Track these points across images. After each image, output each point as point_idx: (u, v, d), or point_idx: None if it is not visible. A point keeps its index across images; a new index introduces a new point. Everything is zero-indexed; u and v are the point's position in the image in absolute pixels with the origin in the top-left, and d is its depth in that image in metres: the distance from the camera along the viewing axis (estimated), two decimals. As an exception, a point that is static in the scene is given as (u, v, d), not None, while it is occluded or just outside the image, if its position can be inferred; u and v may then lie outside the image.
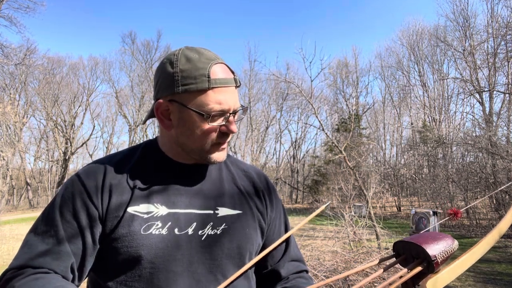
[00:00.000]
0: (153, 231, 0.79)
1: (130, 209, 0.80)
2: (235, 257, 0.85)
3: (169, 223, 0.81)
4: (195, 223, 0.83)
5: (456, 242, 0.70)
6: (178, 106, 0.82)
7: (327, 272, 5.26)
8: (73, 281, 0.78)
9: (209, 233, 0.84)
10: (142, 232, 0.78)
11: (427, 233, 0.71)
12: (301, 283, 0.92)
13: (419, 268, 0.66)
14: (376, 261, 0.69)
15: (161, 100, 0.83)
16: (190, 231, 0.82)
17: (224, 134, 0.84)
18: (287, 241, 1.00)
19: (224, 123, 0.83)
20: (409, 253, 0.69)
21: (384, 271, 0.69)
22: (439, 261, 0.66)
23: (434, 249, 0.66)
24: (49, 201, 0.84)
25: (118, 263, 0.79)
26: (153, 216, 0.80)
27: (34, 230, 0.80)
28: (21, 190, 32.30)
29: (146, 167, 0.87)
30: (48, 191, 30.49)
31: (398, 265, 0.71)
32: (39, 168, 34.12)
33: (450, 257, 0.69)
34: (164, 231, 0.80)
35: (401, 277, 0.67)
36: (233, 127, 0.83)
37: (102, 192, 0.81)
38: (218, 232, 0.85)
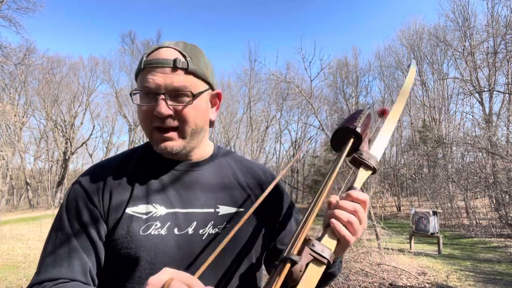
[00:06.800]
0: (152, 232, 0.78)
1: (129, 210, 0.79)
2: (239, 256, 0.83)
3: (168, 223, 0.79)
4: (195, 223, 0.81)
5: (366, 110, 0.85)
6: None
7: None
8: (94, 283, 0.79)
9: (210, 232, 0.82)
10: (141, 233, 0.77)
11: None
12: None
13: (351, 140, 0.79)
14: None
15: None
16: (190, 230, 0.80)
17: (157, 116, 0.79)
18: (296, 222, 0.98)
19: (153, 103, 0.79)
20: (342, 139, 0.82)
21: (346, 156, 0.81)
22: (359, 127, 0.79)
23: (353, 124, 0.80)
24: (56, 215, 0.85)
25: (118, 265, 0.79)
26: (152, 217, 0.79)
27: (47, 242, 0.81)
28: (21, 190, 32.27)
29: (145, 167, 0.87)
30: (48, 191, 30.41)
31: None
32: (39, 168, 34.08)
33: (369, 121, 0.83)
34: (163, 231, 0.78)
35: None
36: (158, 108, 0.77)
37: (102, 194, 0.81)
38: (220, 231, 0.83)
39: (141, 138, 34.33)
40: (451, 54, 22.33)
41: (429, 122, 24.47)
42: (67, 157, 32.07)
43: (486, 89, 18.21)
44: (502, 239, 10.22)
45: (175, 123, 0.81)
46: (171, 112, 0.79)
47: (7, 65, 16.98)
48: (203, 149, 0.92)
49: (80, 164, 36.43)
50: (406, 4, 50.76)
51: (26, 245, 9.88)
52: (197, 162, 0.90)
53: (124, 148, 33.67)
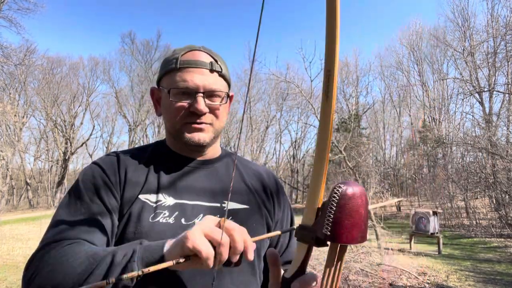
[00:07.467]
0: (160, 219, 0.81)
1: (142, 196, 0.83)
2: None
3: (176, 213, 0.83)
4: (201, 215, 0.84)
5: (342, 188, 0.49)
6: (161, 90, 0.91)
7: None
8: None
9: None
10: (150, 220, 0.80)
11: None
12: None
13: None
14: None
15: (153, 87, 0.94)
16: (197, 221, 0.83)
17: (193, 113, 0.85)
18: (289, 242, 1.00)
19: (190, 101, 0.85)
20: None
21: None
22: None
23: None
24: (70, 187, 0.86)
25: None
26: (161, 205, 0.82)
27: (62, 211, 0.80)
28: (21, 190, 32.25)
29: (157, 161, 0.92)
30: (48, 191, 30.43)
31: None
32: (39, 168, 34.07)
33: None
34: (171, 220, 0.81)
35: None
36: (197, 106, 0.84)
37: (119, 176, 0.85)
38: None
39: (141, 138, 34.32)
40: (451, 55, 22.35)
41: (429, 122, 24.47)
42: (67, 157, 32.05)
43: (486, 89, 18.21)
44: (502, 239, 10.21)
45: (209, 119, 0.88)
46: (208, 110, 0.87)
47: (7, 65, 16.98)
48: (215, 148, 0.99)
49: (80, 164, 36.42)
50: (405, 4, 50.79)
51: (26, 245, 9.86)
52: (208, 160, 0.96)
53: (124, 148, 33.57)
